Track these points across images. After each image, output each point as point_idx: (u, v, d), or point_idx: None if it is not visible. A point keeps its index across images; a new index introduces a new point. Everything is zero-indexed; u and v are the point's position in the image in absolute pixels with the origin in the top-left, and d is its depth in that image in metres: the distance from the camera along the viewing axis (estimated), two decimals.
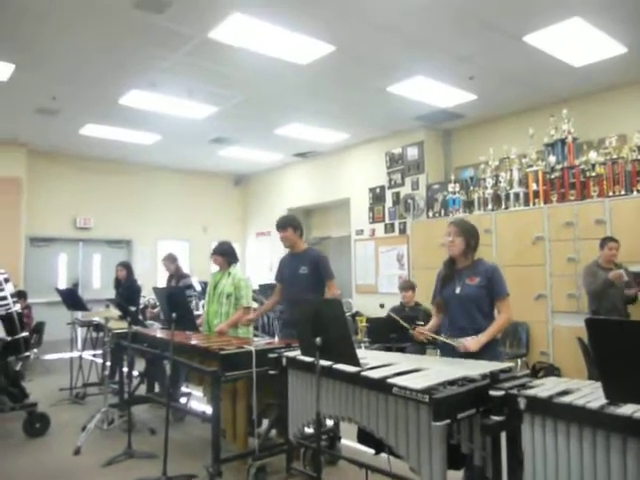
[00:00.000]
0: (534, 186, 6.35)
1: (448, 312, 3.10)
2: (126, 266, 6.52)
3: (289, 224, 4.19)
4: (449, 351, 2.99)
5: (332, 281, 4.12)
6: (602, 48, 5.25)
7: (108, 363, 5.13)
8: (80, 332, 6.99)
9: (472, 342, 2.85)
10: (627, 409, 1.72)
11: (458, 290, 3.04)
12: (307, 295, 3.86)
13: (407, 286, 5.75)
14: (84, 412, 5.02)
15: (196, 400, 5.23)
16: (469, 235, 3.08)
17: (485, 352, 2.84)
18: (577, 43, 5.13)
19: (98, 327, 5.81)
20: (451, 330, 3.04)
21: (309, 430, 3.20)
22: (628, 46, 5.20)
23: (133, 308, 4.36)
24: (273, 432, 3.81)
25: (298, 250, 4.24)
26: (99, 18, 4.62)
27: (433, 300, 3.25)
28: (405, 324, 3.27)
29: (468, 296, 2.99)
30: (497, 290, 3.01)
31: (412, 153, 8.13)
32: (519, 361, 5.87)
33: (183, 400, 5.24)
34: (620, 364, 1.54)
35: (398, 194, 8.31)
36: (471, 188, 7.15)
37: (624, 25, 4.82)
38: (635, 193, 5.50)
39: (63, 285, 9.15)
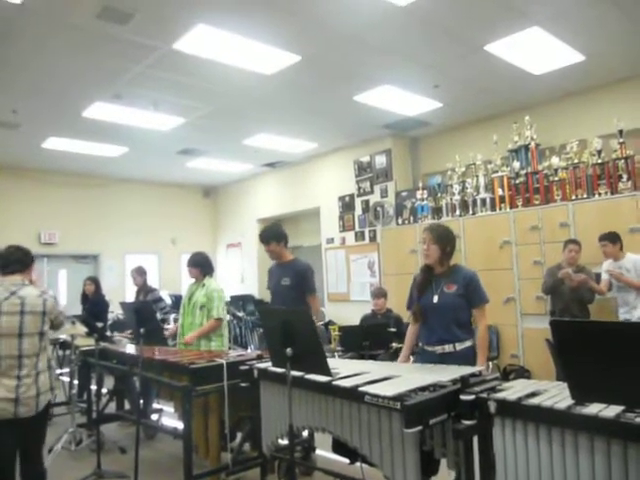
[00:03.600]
0: (500, 191, 6.47)
1: (425, 321, 3.10)
2: (95, 281, 6.39)
3: (271, 238, 4.12)
4: (426, 357, 3.02)
5: (313, 296, 4.07)
6: (561, 56, 5.40)
7: (75, 381, 4.99)
8: None
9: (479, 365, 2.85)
10: (593, 409, 1.74)
11: (436, 299, 3.03)
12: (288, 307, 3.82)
13: (379, 293, 5.77)
14: (51, 433, 4.79)
15: (168, 416, 5.12)
16: (444, 241, 3.07)
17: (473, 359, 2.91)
18: (537, 52, 5.26)
19: (64, 345, 5.65)
20: (429, 340, 3.05)
21: (283, 442, 3.17)
22: (586, 54, 5.36)
23: (100, 324, 4.26)
24: (247, 445, 3.76)
25: (284, 260, 4.20)
26: (60, 30, 4.53)
27: (409, 307, 3.24)
28: None
29: (446, 306, 2.99)
30: (476, 298, 3.02)
31: (380, 161, 8.20)
32: (490, 364, 5.93)
33: (155, 416, 5.14)
34: (584, 364, 1.57)
35: (367, 202, 8.36)
36: (439, 194, 7.24)
37: (581, 34, 4.96)
38: (597, 196, 5.65)
39: None
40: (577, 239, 5.30)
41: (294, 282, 4.01)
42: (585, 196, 5.74)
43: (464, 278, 3.03)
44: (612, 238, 4.97)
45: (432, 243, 3.07)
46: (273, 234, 4.16)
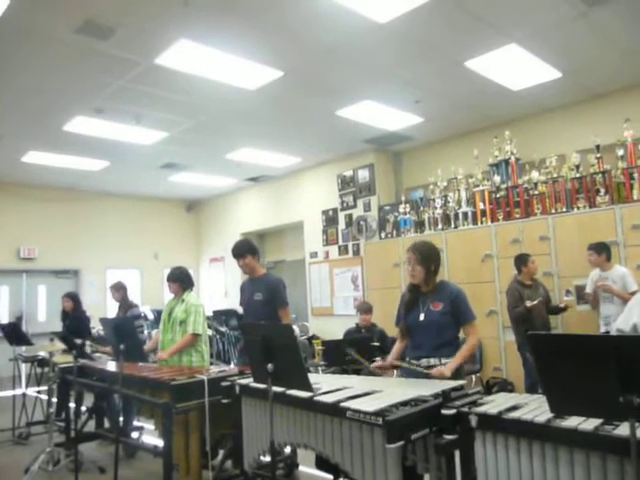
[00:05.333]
0: (481, 205, 6.55)
1: (412, 338, 3.11)
2: (72, 297, 6.28)
3: (247, 251, 4.10)
4: (411, 372, 3.01)
5: (285, 309, 4.03)
6: (538, 73, 5.50)
7: (54, 399, 4.89)
8: (24, 368, 6.65)
9: (445, 369, 2.82)
10: (572, 422, 1.75)
11: (422, 317, 3.04)
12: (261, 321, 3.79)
13: (367, 309, 5.70)
14: (28, 453, 4.75)
15: (148, 434, 5.03)
16: (429, 261, 3.07)
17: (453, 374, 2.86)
18: (515, 68, 5.36)
19: (43, 362, 5.54)
20: (415, 356, 3.05)
21: (265, 459, 3.13)
22: (562, 71, 5.47)
23: (79, 340, 4.19)
24: (228, 463, 3.70)
25: (256, 275, 4.17)
26: (41, 44, 4.50)
27: (397, 324, 3.25)
28: (364, 361, 3.24)
29: (432, 324, 2.99)
30: (463, 316, 3.01)
31: (363, 175, 8.24)
32: (473, 377, 5.95)
33: (135, 434, 5.04)
34: (562, 377, 1.58)
35: (351, 216, 8.38)
36: (421, 208, 7.30)
37: (557, 52, 5.07)
38: (575, 210, 5.74)
39: (5, 319, 8.72)
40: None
41: (267, 297, 3.99)
42: (564, 210, 5.83)
43: (450, 296, 3.04)
44: (597, 248, 5.02)
45: (417, 264, 3.06)
46: (248, 247, 4.15)
